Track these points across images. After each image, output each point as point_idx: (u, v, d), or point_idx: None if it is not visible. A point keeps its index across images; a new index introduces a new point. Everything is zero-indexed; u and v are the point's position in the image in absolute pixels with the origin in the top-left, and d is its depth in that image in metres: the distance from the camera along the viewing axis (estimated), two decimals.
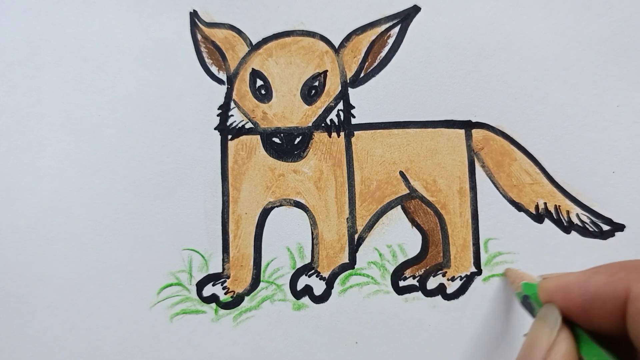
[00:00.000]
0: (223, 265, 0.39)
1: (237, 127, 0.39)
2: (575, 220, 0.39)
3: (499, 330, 0.39)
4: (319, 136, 0.39)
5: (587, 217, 0.39)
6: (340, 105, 0.40)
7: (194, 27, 0.40)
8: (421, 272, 0.39)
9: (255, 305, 0.39)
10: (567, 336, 0.27)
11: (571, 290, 0.28)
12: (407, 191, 0.40)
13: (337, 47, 0.39)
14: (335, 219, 0.39)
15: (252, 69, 0.39)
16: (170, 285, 0.39)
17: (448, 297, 0.39)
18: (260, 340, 0.39)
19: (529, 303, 0.32)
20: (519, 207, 0.39)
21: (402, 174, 0.40)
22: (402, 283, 0.39)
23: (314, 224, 0.39)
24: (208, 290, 0.39)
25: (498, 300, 0.39)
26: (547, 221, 0.39)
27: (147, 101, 0.39)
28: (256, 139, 0.39)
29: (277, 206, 0.40)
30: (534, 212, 0.39)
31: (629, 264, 0.28)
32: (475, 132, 0.40)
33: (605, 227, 0.39)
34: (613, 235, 0.39)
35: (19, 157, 0.39)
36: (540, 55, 0.39)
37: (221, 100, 0.40)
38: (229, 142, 0.39)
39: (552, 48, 0.39)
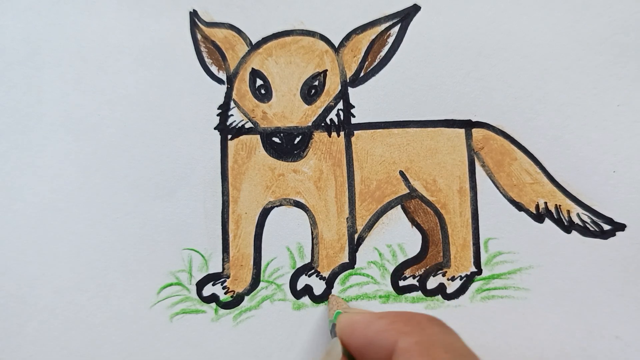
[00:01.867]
0: (223, 265, 0.39)
1: (237, 127, 0.39)
2: (576, 220, 0.39)
3: (497, 330, 0.39)
4: (319, 136, 0.39)
5: (588, 216, 0.39)
6: (340, 105, 0.40)
7: (193, 26, 0.40)
8: (421, 271, 0.39)
9: (255, 305, 0.39)
10: None
11: (355, 330, 0.28)
12: (407, 191, 0.40)
13: (337, 47, 0.40)
14: (335, 218, 0.39)
15: (252, 68, 0.40)
16: (170, 285, 0.39)
17: (448, 296, 0.39)
18: (260, 340, 0.39)
19: (333, 333, 0.32)
20: (519, 206, 0.39)
21: (402, 173, 0.40)
22: (402, 283, 0.39)
23: (313, 223, 0.39)
24: (208, 290, 0.39)
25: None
26: (547, 221, 0.39)
27: (147, 101, 0.39)
28: (256, 138, 0.39)
29: (277, 206, 0.40)
30: (534, 212, 0.39)
31: (406, 316, 0.28)
32: (475, 132, 0.40)
33: (606, 227, 0.39)
34: (614, 234, 0.39)
35: (19, 157, 0.39)
36: (540, 54, 0.39)
37: (221, 100, 0.40)
38: (229, 142, 0.39)
39: (552, 48, 0.39)
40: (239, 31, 0.40)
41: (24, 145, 0.39)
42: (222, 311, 0.39)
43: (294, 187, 0.39)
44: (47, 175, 0.39)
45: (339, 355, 0.29)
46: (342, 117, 0.40)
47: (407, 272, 0.39)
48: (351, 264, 0.39)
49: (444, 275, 0.39)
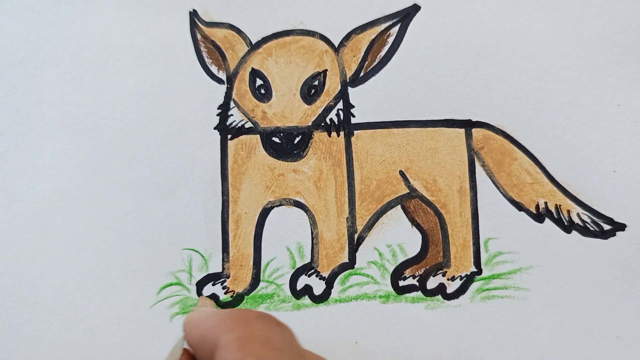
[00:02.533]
0: (223, 264, 0.39)
1: (236, 127, 0.39)
2: (576, 220, 0.39)
3: (497, 330, 0.39)
4: (319, 136, 0.39)
5: (588, 216, 0.39)
6: (340, 105, 0.40)
7: (193, 26, 0.40)
8: (421, 271, 0.39)
9: (255, 305, 0.39)
10: None
11: (192, 326, 0.29)
12: (407, 191, 0.40)
13: (336, 47, 0.40)
14: (335, 218, 0.39)
15: (252, 68, 0.40)
16: (170, 284, 0.39)
17: (448, 296, 0.39)
18: None
19: None
20: (519, 206, 0.39)
21: (402, 173, 0.40)
22: (402, 283, 0.39)
23: (313, 223, 0.39)
24: (208, 290, 0.39)
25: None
26: (547, 221, 0.39)
27: (147, 101, 0.39)
28: (256, 138, 0.39)
29: (276, 206, 0.40)
30: (534, 212, 0.39)
31: (236, 313, 0.28)
32: (475, 132, 0.40)
33: (606, 227, 0.39)
34: (614, 234, 0.39)
35: (19, 157, 0.39)
36: (540, 54, 0.39)
37: (221, 100, 0.40)
38: (229, 142, 0.39)
39: (552, 47, 0.39)
40: (238, 31, 0.40)
41: (24, 145, 0.39)
42: None
43: (293, 187, 0.39)
44: (47, 175, 0.39)
45: (179, 351, 0.29)
46: (342, 117, 0.40)
47: (407, 272, 0.39)
48: (351, 264, 0.39)
49: (444, 275, 0.39)
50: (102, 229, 0.39)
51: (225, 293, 0.39)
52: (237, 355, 0.24)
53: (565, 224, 0.39)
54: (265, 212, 0.39)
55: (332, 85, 0.39)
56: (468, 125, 0.40)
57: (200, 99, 0.39)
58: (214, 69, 0.40)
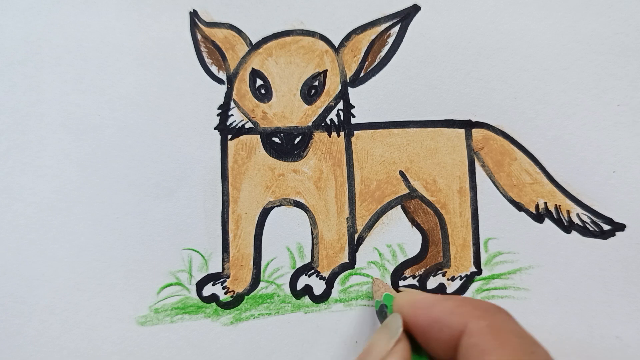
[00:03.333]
0: (223, 265, 0.39)
1: (237, 127, 0.39)
2: (576, 220, 0.39)
3: None
4: (319, 136, 0.39)
5: (588, 216, 0.39)
6: (340, 105, 0.40)
7: (193, 26, 0.40)
8: (421, 271, 0.39)
9: (255, 304, 0.39)
10: (404, 347, 0.28)
11: (418, 309, 0.29)
12: (407, 191, 0.40)
13: (336, 47, 0.40)
14: (335, 218, 0.39)
15: (252, 68, 0.39)
16: (170, 285, 0.39)
17: None
18: (260, 340, 0.39)
19: (384, 312, 0.33)
20: (519, 206, 0.39)
21: (402, 173, 0.40)
22: (402, 283, 0.39)
23: (313, 223, 0.39)
24: (208, 290, 0.39)
25: None
26: (547, 221, 0.39)
27: (147, 101, 0.39)
28: (256, 138, 0.39)
29: (277, 206, 0.40)
30: (534, 212, 0.39)
31: (474, 301, 0.29)
32: (475, 132, 0.40)
33: (606, 227, 0.39)
34: (614, 234, 0.39)
35: (19, 157, 0.39)
36: (540, 54, 0.39)
37: (221, 100, 0.40)
38: (229, 142, 0.39)
39: (552, 47, 0.39)
40: (239, 31, 0.40)
41: (24, 145, 0.39)
42: (222, 311, 0.39)
43: (294, 187, 0.39)
44: (47, 175, 0.39)
45: (399, 330, 0.29)
46: (342, 117, 0.40)
47: (407, 272, 0.39)
48: (351, 264, 0.39)
49: (444, 275, 0.39)
50: (102, 229, 0.39)
51: (226, 293, 0.39)
52: (493, 343, 0.25)
53: (565, 224, 0.39)
54: (265, 212, 0.39)
55: (332, 86, 0.39)
56: (468, 125, 0.40)
57: (201, 99, 0.39)
58: (214, 69, 0.40)
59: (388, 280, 0.39)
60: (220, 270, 0.39)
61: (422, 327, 0.29)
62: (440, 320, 0.28)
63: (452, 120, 0.40)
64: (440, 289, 0.39)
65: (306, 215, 0.40)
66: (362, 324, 0.39)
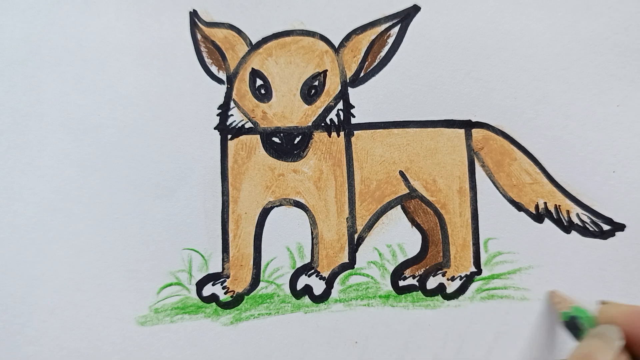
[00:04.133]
0: (223, 264, 0.39)
1: (236, 127, 0.39)
2: (576, 220, 0.39)
3: (497, 330, 0.39)
4: (319, 136, 0.39)
5: (587, 216, 0.39)
6: (340, 105, 0.40)
7: (193, 26, 0.40)
8: (421, 271, 0.39)
9: (255, 304, 0.39)
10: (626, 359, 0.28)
11: (638, 320, 0.29)
12: (407, 191, 0.40)
13: (337, 47, 0.40)
14: (335, 218, 0.39)
15: (252, 68, 0.39)
16: (170, 284, 0.39)
17: (448, 296, 0.39)
18: (260, 340, 0.39)
19: (577, 324, 0.34)
20: (518, 206, 0.39)
21: (402, 173, 0.40)
22: (401, 283, 0.39)
23: (313, 223, 0.39)
24: (208, 290, 0.39)
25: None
26: (547, 221, 0.39)
27: (147, 101, 0.39)
28: (256, 138, 0.39)
29: (276, 206, 0.40)
30: (534, 212, 0.39)
31: None
32: (475, 132, 0.40)
33: (606, 227, 0.39)
34: (613, 235, 0.39)
35: (19, 157, 0.39)
36: (540, 54, 0.39)
37: (221, 100, 0.40)
38: (229, 142, 0.39)
39: (552, 48, 0.39)
40: (239, 31, 0.40)
41: (24, 145, 0.39)
42: (222, 311, 0.39)
43: (293, 187, 0.39)
44: (47, 175, 0.39)
45: (620, 340, 0.29)
46: (342, 117, 0.40)
47: (407, 272, 0.39)
48: (351, 264, 0.39)
49: (443, 275, 0.39)
50: (102, 229, 0.39)
51: (225, 293, 0.39)
52: None
53: (565, 224, 0.39)
54: (265, 212, 0.39)
55: (332, 86, 0.39)
56: (468, 125, 0.40)
57: (200, 99, 0.39)
58: (214, 69, 0.40)
59: (388, 280, 0.39)
60: (220, 270, 0.39)
61: None
62: None
63: (452, 120, 0.40)
64: (440, 289, 0.39)
65: (306, 215, 0.40)
66: (362, 324, 0.39)
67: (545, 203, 0.39)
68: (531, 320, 0.39)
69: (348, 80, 0.40)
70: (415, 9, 0.40)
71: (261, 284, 0.39)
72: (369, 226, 0.40)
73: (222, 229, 0.39)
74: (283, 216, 0.40)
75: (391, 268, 0.39)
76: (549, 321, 0.39)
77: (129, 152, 0.39)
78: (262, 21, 0.40)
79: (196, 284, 0.39)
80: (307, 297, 0.39)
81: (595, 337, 0.30)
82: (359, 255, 0.40)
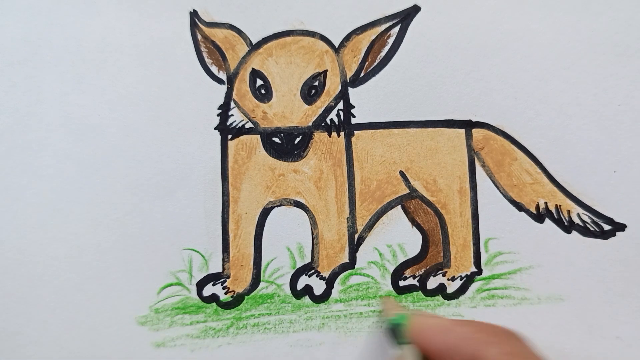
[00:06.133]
0: (223, 265, 0.39)
1: (237, 127, 0.39)
2: (576, 220, 0.39)
3: None
4: (319, 136, 0.39)
5: (588, 216, 0.39)
6: (340, 105, 0.40)
7: (194, 26, 0.40)
8: (421, 271, 0.39)
9: (255, 304, 0.39)
10: None
11: (434, 334, 0.29)
12: (407, 191, 0.40)
13: (337, 47, 0.39)
14: (335, 218, 0.39)
15: (252, 68, 0.39)
16: (171, 285, 0.39)
17: (448, 297, 0.39)
18: (260, 340, 0.39)
19: (398, 332, 0.33)
20: (519, 206, 0.39)
21: (402, 173, 0.40)
22: (402, 283, 0.39)
23: (314, 223, 0.39)
24: (208, 290, 0.39)
25: None
26: (547, 221, 0.39)
27: (147, 101, 0.39)
28: (256, 138, 0.39)
29: (277, 206, 0.40)
30: (534, 212, 0.39)
31: (488, 327, 0.29)
32: (476, 132, 0.40)
33: (607, 227, 0.39)
34: (614, 234, 0.39)
35: (19, 157, 0.39)
36: (540, 54, 0.39)
37: (221, 100, 0.40)
38: (229, 142, 0.39)
39: (552, 47, 0.39)
40: (239, 31, 0.40)
41: (24, 145, 0.39)
42: (222, 311, 0.39)
43: (294, 187, 0.39)
44: (47, 175, 0.39)
45: (415, 358, 0.29)
46: (342, 117, 0.40)
47: (408, 272, 0.39)
48: (351, 264, 0.39)
49: (444, 275, 0.39)
50: (102, 229, 0.39)
51: (226, 293, 0.39)
52: None
53: (566, 224, 0.39)
54: (265, 212, 0.39)
55: (333, 86, 0.39)
56: (468, 125, 0.40)
57: (201, 99, 0.39)
58: (214, 69, 0.40)
59: (388, 280, 0.39)
60: (220, 270, 0.39)
61: (437, 353, 0.29)
62: (455, 347, 0.28)
63: (452, 120, 0.40)
64: (441, 289, 0.39)
65: (306, 215, 0.40)
66: (362, 324, 0.39)
67: (545, 203, 0.39)
68: (531, 320, 0.39)
69: (348, 80, 0.40)
70: (415, 9, 0.40)
71: (261, 284, 0.39)
72: (370, 226, 0.40)
73: (222, 229, 0.39)
74: (283, 216, 0.40)
75: (391, 268, 0.39)
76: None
77: (129, 152, 0.39)
78: (262, 21, 0.40)
79: (196, 284, 0.39)
80: (307, 297, 0.39)
81: (400, 357, 0.31)
82: (359, 255, 0.39)
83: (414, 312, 0.35)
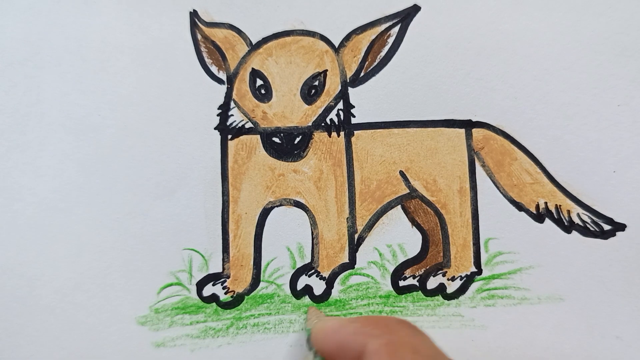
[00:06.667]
0: (223, 265, 0.39)
1: (237, 127, 0.39)
2: (576, 220, 0.39)
3: (497, 330, 0.39)
4: (319, 136, 0.39)
5: (588, 216, 0.39)
6: (340, 105, 0.40)
7: (193, 26, 0.40)
8: (421, 271, 0.39)
9: (255, 304, 0.39)
10: None
11: (327, 335, 0.29)
12: (407, 191, 0.40)
13: (337, 47, 0.40)
14: (335, 218, 0.39)
15: (252, 68, 0.39)
16: (171, 285, 0.39)
17: (448, 296, 0.39)
18: (260, 340, 0.39)
19: (308, 340, 0.33)
20: (519, 206, 0.39)
21: (402, 173, 0.40)
22: (402, 283, 0.39)
23: (314, 223, 0.39)
24: (208, 290, 0.39)
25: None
26: (547, 221, 0.39)
27: (147, 101, 0.39)
28: (256, 138, 0.39)
29: (277, 206, 0.40)
30: (534, 212, 0.39)
31: (375, 319, 0.29)
32: (476, 132, 0.40)
33: (606, 227, 0.39)
34: (614, 234, 0.39)
35: (19, 157, 0.39)
36: (540, 54, 0.39)
37: (221, 100, 0.40)
38: (229, 142, 0.39)
39: (552, 47, 0.39)
40: (239, 31, 0.40)
41: (24, 145, 0.39)
42: (222, 311, 0.39)
43: (294, 187, 0.39)
44: (47, 175, 0.39)
45: None
46: (342, 117, 0.40)
47: (408, 272, 0.39)
48: (351, 264, 0.39)
49: (444, 275, 0.39)
50: (102, 229, 0.39)
51: (226, 293, 0.39)
52: None
53: (566, 224, 0.39)
54: (265, 212, 0.39)
55: (333, 86, 0.39)
56: (468, 125, 0.40)
57: (201, 99, 0.39)
58: (214, 69, 0.40)
59: (388, 280, 0.39)
60: (220, 270, 0.39)
61: (331, 353, 0.28)
62: (344, 344, 0.27)
63: (452, 120, 0.40)
64: (441, 289, 0.39)
65: (306, 215, 0.40)
66: None
67: (545, 203, 0.39)
68: (531, 320, 0.39)
69: (348, 80, 0.40)
70: (415, 9, 0.40)
71: (261, 284, 0.39)
72: (369, 226, 0.40)
73: (222, 229, 0.39)
74: (283, 216, 0.40)
75: (391, 268, 0.39)
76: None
77: (129, 152, 0.39)
78: (262, 21, 0.40)
79: (196, 284, 0.39)
80: (307, 297, 0.39)
81: None
82: (359, 255, 0.39)
83: (322, 319, 0.34)
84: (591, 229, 0.39)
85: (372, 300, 0.39)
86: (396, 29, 0.39)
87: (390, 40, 0.40)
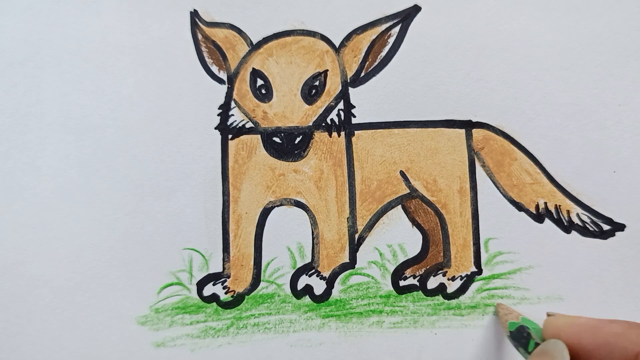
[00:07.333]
0: (223, 264, 0.39)
1: (237, 127, 0.39)
2: (576, 220, 0.39)
3: (497, 330, 0.39)
4: (320, 136, 0.39)
5: (588, 216, 0.39)
6: (341, 105, 0.40)
7: (194, 26, 0.40)
8: (421, 271, 0.39)
9: (256, 304, 0.39)
10: None
11: (583, 332, 0.29)
12: (408, 191, 0.40)
13: (337, 47, 0.40)
14: (335, 218, 0.39)
15: (253, 68, 0.39)
16: (171, 284, 0.39)
17: (448, 296, 0.39)
18: (260, 340, 0.39)
19: (523, 335, 0.33)
20: (519, 206, 0.39)
21: (402, 173, 0.40)
22: (402, 282, 0.39)
23: (314, 223, 0.39)
24: (208, 290, 0.39)
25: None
26: (547, 221, 0.39)
27: (147, 101, 0.39)
28: (256, 138, 0.39)
29: (277, 206, 0.40)
30: (534, 212, 0.39)
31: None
32: (476, 132, 0.40)
33: (606, 227, 0.39)
34: (613, 235, 0.39)
35: (19, 157, 0.39)
36: (540, 54, 0.39)
37: (221, 100, 0.40)
38: (230, 142, 0.39)
39: (552, 48, 0.39)
40: (239, 31, 0.40)
41: (24, 145, 0.39)
42: (222, 311, 0.39)
43: (294, 187, 0.39)
44: (47, 175, 0.39)
45: (565, 357, 0.29)
46: (342, 117, 0.40)
47: (408, 272, 0.40)
48: (352, 263, 0.39)
49: (444, 275, 0.39)
50: (102, 229, 0.39)
51: (226, 293, 0.39)
52: None
53: (565, 224, 0.39)
54: (265, 212, 0.39)
55: (333, 86, 0.39)
56: (468, 125, 0.40)
57: (201, 99, 0.39)
58: (214, 69, 0.40)
59: (388, 280, 0.39)
60: (220, 270, 0.39)
61: (588, 351, 0.28)
62: (611, 343, 0.28)
63: (452, 120, 0.40)
64: (441, 289, 0.39)
65: (307, 215, 0.40)
66: (362, 324, 0.39)
67: (545, 203, 0.39)
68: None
69: (349, 80, 0.40)
70: (415, 9, 0.40)
71: (262, 284, 0.39)
72: (370, 226, 0.40)
73: (222, 228, 0.39)
74: (284, 216, 0.40)
75: (392, 268, 0.39)
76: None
77: (129, 152, 0.39)
78: (262, 21, 0.40)
79: (197, 284, 0.39)
80: (307, 297, 0.39)
81: (542, 354, 0.30)
82: (359, 255, 0.40)
83: (549, 314, 0.35)
84: (591, 229, 0.39)
85: (373, 300, 0.39)
86: (396, 29, 0.39)
87: (391, 41, 0.40)
